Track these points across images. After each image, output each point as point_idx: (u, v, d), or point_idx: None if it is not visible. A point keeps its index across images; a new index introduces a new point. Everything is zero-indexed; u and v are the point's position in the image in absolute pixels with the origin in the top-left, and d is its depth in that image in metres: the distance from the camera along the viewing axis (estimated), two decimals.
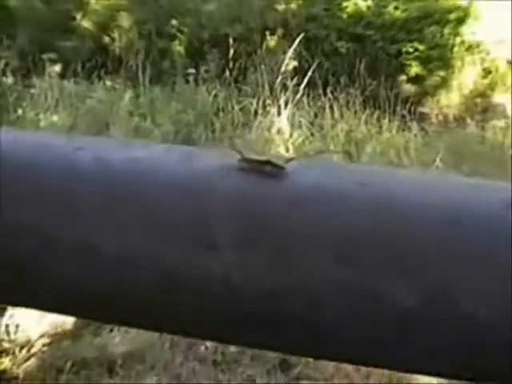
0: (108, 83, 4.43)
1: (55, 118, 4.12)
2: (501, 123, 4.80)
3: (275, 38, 5.13)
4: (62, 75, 4.51)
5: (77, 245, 0.49)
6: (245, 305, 0.47)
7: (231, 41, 4.88)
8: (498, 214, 0.45)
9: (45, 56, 4.48)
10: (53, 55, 4.55)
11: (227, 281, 0.47)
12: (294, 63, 4.80)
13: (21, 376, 1.95)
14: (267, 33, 5.04)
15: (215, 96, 4.23)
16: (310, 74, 4.46)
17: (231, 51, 4.86)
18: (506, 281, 0.43)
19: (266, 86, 4.36)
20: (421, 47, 5.12)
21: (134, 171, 0.51)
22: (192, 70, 4.36)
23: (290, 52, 4.56)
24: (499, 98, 5.14)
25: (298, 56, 4.89)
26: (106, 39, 4.90)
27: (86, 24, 4.90)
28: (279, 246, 0.47)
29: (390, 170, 0.52)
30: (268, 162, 0.51)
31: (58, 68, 4.62)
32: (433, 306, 0.44)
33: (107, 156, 0.52)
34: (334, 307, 0.46)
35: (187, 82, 4.32)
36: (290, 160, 0.52)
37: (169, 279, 0.48)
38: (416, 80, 5.16)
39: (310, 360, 2.03)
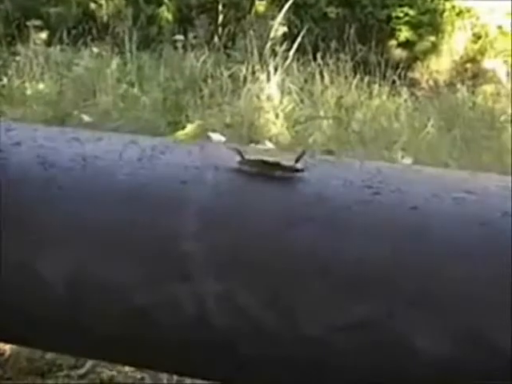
0: (95, 50, 4.37)
1: (41, 86, 4.07)
2: (491, 88, 4.78)
3: (264, 3, 5.07)
4: (48, 43, 4.44)
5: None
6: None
7: (220, 6, 4.82)
8: None
9: (30, 23, 4.41)
10: (38, 22, 4.47)
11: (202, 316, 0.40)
12: (284, 29, 4.75)
13: None
14: None
15: (204, 62, 4.18)
16: (299, 39, 4.42)
17: (220, 17, 4.80)
18: None
19: (255, 52, 4.31)
20: (411, 12, 5.08)
21: (84, 177, 0.42)
22: (180, 37, 4.31)
23: (279, 17, 4.51)
24: (489, 63, 5.11)
25: (287, 22, 4.83)
26: (93, 5, 4.83)
27: None
28: (275, 285, 0.39)
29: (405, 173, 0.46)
30: (278, 165, 0.42)
31: (43, 35, 4.55)
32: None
33: (52, 155, 0.43)
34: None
35: (175, 48, 4.27)
36: (299, 157, 0.43)
37: (132, 312, 0.41)
38: (406, 45, 5.13)
39: None
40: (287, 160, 0.43)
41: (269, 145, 3.07)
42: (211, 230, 0.41)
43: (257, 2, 5.03)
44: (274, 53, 4.35)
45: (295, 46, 4.32)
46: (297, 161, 0.43)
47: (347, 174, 0.44)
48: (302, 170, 0.42)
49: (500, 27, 5.23)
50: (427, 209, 0.41)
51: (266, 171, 0.42)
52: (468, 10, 5.22)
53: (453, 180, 0.45)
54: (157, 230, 0.41)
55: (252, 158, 0.43)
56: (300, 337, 0.39)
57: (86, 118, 3.38)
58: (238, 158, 0.43)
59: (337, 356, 0.39)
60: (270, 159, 0.43)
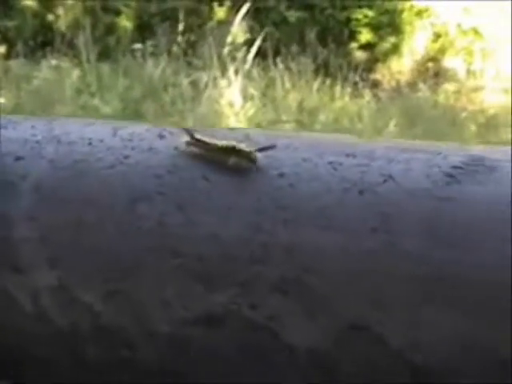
0: (53, 62, 4.33)
1: (0, 99, 4.01)
2: (452, 87, 4.81)
3: (224, 9, 5.07)
4: (6, 56, 4.39)
5: None
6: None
7: (181, 14, 4.80)
8: None
9: None
10: None
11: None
12: (244, 34, 4.74)
13: None
14: (215, 4, 4.98)
15: (164, 70, 4.16)
16: (258, 44, 4.41)
17: (181, 24, 4.78)
18: None
19: (216, 59, 4.29)
20: (370, 13, 5.10)
21: None
22: (139, 45, 4.29)
23: (237, 23, 4.51)
24: (450, 62, 5.14)
25: (247, 27, 4.83)
26: (50, 17, 4.79)
27: (29, 2, 4.78)
28: (115, 273, 0.36)
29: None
30: (235, 150, 0.38)
31: (1, 49, 4.50)
32: None
33: None
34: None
35: (134, 57, 4.25)
36: (266, 149, 0.38)
37: None
38: (367, 47, 5.15)
39: None
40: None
41: None
42: (47, 209, 0.38)
43: (217, 9, 5.02)
44: (234, 59, 4.34)
45: (254, 50, 4.31)
46: (261, 150, 0.38)
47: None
48: (255, 161, 0.38)
49: (459, 25, 5.28)
50: (295, 175, 0.38)
51: (220, 157, 0.38)
52: (426, 10, 5.26)
53: (335, 144, 0.41)
54: None
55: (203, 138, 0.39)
56: (146, 333, 0.36)
57: None
58: (186, 139, 0.40)
59: (190, 356, 0.36)
60: (226, 143, 0.38)
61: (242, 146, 0.39)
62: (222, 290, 0.36)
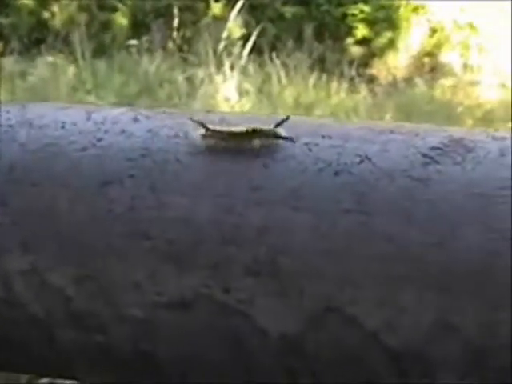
0: (49, 59, 4.32)
1: None
2: (449, 82, 4.80)
3: (220, 5, 5.06)
4: (1, 53, 4.38)
5: None
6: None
7: (176, 10, 4.79)
8: None
9: None
10: None
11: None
12: (240, 30, 4.73)
13: None
14: (211, 0, 4.97)
15: (159, 66, 4.15)
16: (254, 40, 4.40)
17: (176, 21, 4.77)
18: None
19: (211, 55, 4.29)
20: (366, 9, 5.10)
21: None
22: (134, 42, 4.28)
23: (232, 18, 4.50)
24: (446, 57, 5.14)
25: (243, 22, 4.83)
26: (46, 14, 4.78)
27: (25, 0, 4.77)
28: (86, 257, 0.36)
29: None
30: (256, 132, 0.36)
31: None
32: None
33: None
34: None
35: (130, 53, 4.24)
36: (281, 122, 0.36)
37: None
38: (363, 42, 5.14)
39: None
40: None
41: None
42: (18, 193, 0.38)
43: (212, 5, 5.01)
44: (230, 55, 4.33)
45: (249, 46, 4.31)
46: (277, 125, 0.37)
47: (181, 125, 0.40)
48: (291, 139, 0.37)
49: (455, 21, 5.28)
50: (270, 156, 0.37)
51: (241, 143, 0.36)
52: (423, 7, 5.26)
53: (311, 125, 0.40)
54: None
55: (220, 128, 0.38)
56: (118, 317, 0.36)
57: None
58: (202, 130, 0.39)
59: (163, 340, 0.36)
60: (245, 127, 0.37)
61: (262, 127, 0.38)
62: (193, 273, 0.35)
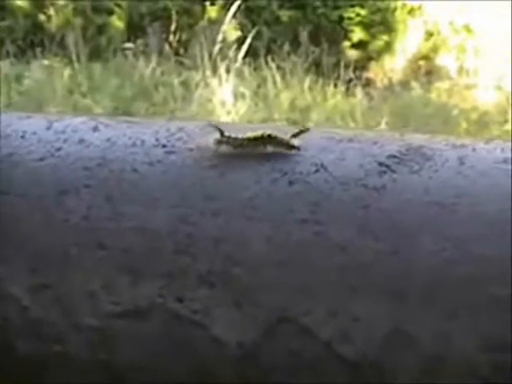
0: (45, 62, 4.32)
1: None
2: (445, 85, 4.80)
3: (216, 8, 5.06)
4: None
5: None
6: None
7: (173, 13, 4.80)
8: None
9: None
10: None
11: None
12: (236, 33, 4.74)
13: None
14: (207, 4, 4.97)
15: (155, 70, 4.16)
16: (250, 43, 4.40)
17: (173, 24, 4.78)
18: None
19: (208, 58, 4.29)
20: (362, 12, 5.10)
21: None
22: (130, 45, 4.28)
23: (227, 21, 4.50)
24: (442, 60, 5.14)
25: (240, 26, 4.83)
26: (42, 17, 4.78)
27: (20, 2, 4.77)
28: (41, 266, 0.36)
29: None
30: (270, 138, 0.37)
31: None
32: None
33: None
34: None
35: (125, 57, 4.24)
36: (299, 133, 0.37)
37: None
38: (360, 45, 5.14)
39: None
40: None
41: None
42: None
43: (209, 8, 5.01)
44: (225, 58, 4.34)
45: (245, 49, 4.31)
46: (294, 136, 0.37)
47: (139, 134, 0.40)
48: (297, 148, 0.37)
49: (451, 24, 5.28)
50: (226, 165, 0.37)
51: (252, 149, 0.37)
52: (419, 8, 5.26)
53: None
54: None
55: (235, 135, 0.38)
56: (75, 328, 0.36)
57: None
58: (216, 136, 0.39)
59: (120, 349, 0.36)
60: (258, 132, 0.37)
61: (278, 134, 0.38)
62: (147, 283, 0.35)
